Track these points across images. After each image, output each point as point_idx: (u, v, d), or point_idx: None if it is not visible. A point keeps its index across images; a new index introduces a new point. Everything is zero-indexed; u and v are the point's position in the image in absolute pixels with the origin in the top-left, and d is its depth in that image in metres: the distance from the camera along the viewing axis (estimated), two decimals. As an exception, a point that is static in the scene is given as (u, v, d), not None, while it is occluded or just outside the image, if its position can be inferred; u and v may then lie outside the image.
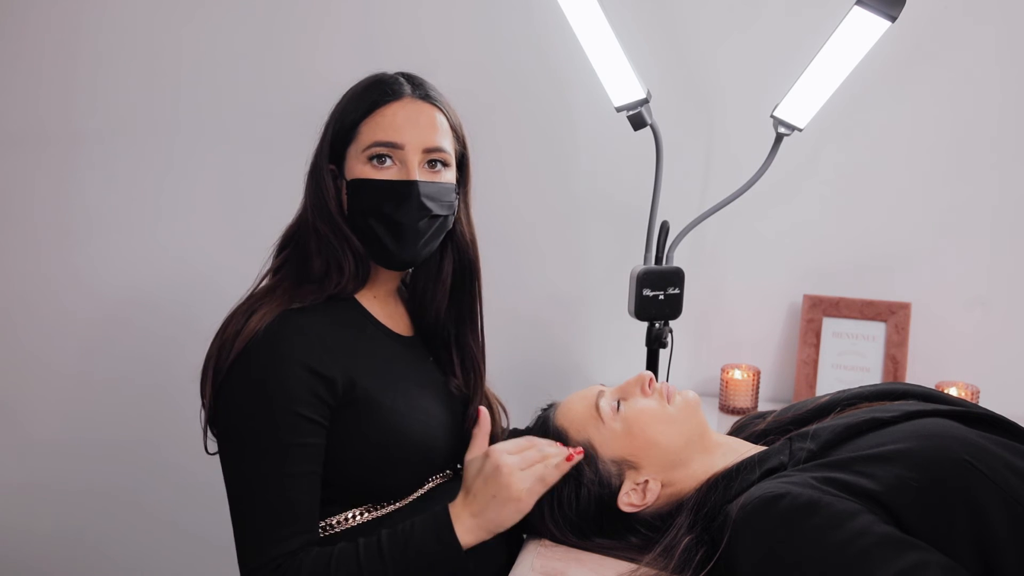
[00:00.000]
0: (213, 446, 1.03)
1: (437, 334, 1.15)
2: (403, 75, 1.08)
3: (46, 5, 1.84)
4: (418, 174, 1.03)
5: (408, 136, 1.03)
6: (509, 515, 0.97)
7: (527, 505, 0.97)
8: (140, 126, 1.85)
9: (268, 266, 1.10)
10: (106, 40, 1.84)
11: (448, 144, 1.07)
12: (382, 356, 1.07)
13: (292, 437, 0.96)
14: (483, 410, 1.10)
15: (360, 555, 0.96)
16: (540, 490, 0.98)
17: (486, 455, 0.99)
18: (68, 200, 1.89)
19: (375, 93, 1.05)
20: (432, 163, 1.05)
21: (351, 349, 1.02)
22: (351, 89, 1.08)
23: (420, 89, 1.07)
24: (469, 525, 0.97)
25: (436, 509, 0.99)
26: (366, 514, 1.04)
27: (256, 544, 0.95)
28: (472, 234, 1.15)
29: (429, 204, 1.03)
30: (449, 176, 1.07)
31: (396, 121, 1.03)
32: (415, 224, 1.03)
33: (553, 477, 0.99)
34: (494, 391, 1.25)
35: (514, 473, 0.97)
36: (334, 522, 1.04)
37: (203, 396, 1.02)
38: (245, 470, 0.97)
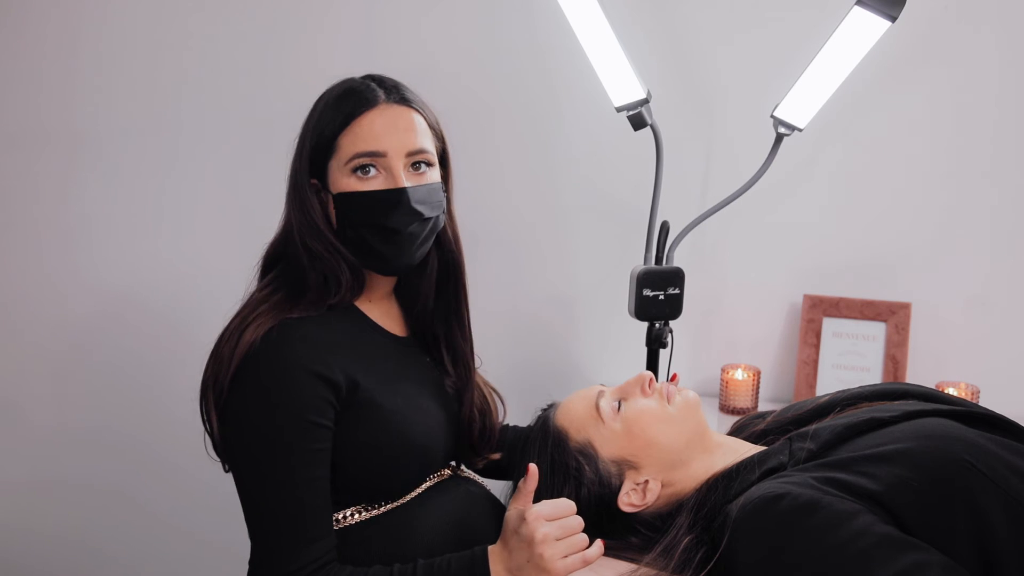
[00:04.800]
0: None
1: (427, 330, 1.14)
2: (373, 79, 1.05)
3: (46, 5, 1.84)
4: (404, 179, 1.01)
5: (389, 143, 1.01)
6: None
7: None
8: (140, 126, 1.85)
9: (254, 285, 1.07)
10: (106, 40, 1.84)
11: (429, 144, 1.05)
12: (381, 358, 1.06)
13: (304, 443, 0.95)
14: (532, 467, 1.03)
15: None
16: (577, 566, 0.94)
17: (523, 518, 0.94)
18: (68, 200, 1.89)
19: (349, 104, 1.02)
20: (416, 165, 1.04)
21: (351, 352, 1.02)
22: (321, 101, 1.05)
23: (394, 93, 1.04)
24: None
25: (475, 550, 0.97)
26: (364, 512, 1.04)
27: (279, 555, 0.95)
28: (455, 231, 1.13)
29: (420, 208, 1.02)
30: (434, 175, 1.06)
31: (375, 130, 1.01)
32: (409, 229, 1.02)
33: (594, 557, 0.95)
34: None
35: (548, 544, 0.93)
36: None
37: (205, 414, 1.01)
38: (260, 480, 0.96)
